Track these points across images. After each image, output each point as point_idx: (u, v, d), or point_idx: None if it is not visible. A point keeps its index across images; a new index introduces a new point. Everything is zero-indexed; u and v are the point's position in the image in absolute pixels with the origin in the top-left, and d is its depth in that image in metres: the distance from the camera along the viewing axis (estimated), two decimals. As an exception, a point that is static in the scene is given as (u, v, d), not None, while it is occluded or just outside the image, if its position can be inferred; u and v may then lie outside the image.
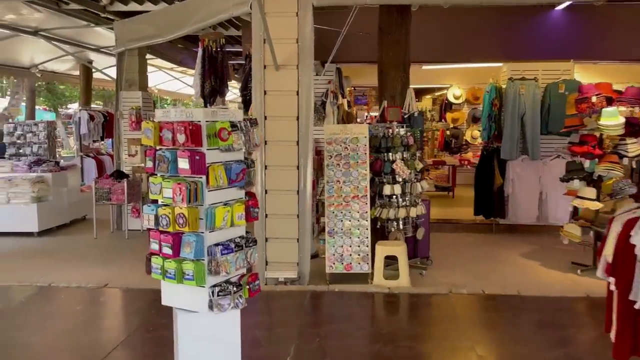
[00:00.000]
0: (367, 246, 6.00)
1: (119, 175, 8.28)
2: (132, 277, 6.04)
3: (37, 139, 10.19)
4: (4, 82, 22.72)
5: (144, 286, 5.64)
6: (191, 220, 3.17)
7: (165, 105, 20.55)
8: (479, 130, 12.14)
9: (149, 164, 3.31)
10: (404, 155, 6.21)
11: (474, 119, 12.19)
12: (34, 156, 10.10)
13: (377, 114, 16.04)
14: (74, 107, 19.93)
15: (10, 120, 10.70)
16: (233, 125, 3.31)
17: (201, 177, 3.23)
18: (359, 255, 5.99)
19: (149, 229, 3.38)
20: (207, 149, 3.25)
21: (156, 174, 3.31)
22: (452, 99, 12.13)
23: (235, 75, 13.54)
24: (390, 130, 6.23)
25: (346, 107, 9.06)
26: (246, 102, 7.29)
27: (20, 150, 10.20)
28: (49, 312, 5.13)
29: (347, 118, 8.49)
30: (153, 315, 4.94)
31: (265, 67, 5.95)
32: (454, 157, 11.69)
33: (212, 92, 7.14)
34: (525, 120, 7.88)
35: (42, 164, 8.62)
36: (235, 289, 3.30)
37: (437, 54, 8.32)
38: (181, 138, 3.17)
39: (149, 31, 7.78)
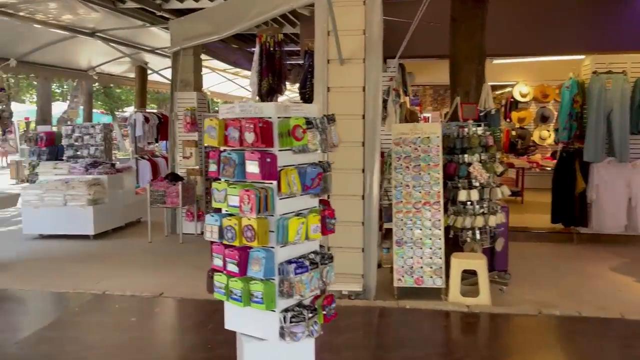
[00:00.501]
0: (440, 258, 5.37)
1: (173, 177, 8.01)
2: (188, 285, 5.68)
3: (94, 141, 10.09)
4: (65, 87, 23.42)
5: (199, 297, 5.26)
6: (260, 234, 2.68)
7: (217, 108, 20.49)
8: (549, 131, 11.23)
9: (213, 167, 2.84)
10: (482, 157, 5.55)
11: (543, 119, 11.28)
12: (90, 158, 10.04)
13: (429, 115, 15.27)
14: (129, 110, 20.22)
15: (68, 123, 10.71)
16: (308, 122, 2.80)
17: (272, 183, 2.74)
18: (431, 268, 5.37)
19: (211, 242, 2.92)
20: (279, 150, 2.76)
21: (220, 179, 2.86)
22: (518, 97, 11.25)
23: (289, 77, 13.15)
24: (466, 130, 5.59)
25: (408, 106, 8.43)
26: (305, 101, 6.82)
27: (78, 153, 10.14)
28: (103, 324, 4.80)
29: (410, 117, 7.87)
30: (210, 331, 4.52)
31: (328, 61, 5.44)
32: (522, 159, 10.80)
33: (269, 91, 6.71)
34: (612, 118, 7.01)
35: (98, 166, 8.47)
36: (309, 314, 2.78)
37: (512, 47, 7.55)
38: (250, 137, 2.68)
39: (205, 29, 7.46)
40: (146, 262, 6.83)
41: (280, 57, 6.78)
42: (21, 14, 7.14)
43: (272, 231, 2.75)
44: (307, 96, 6.76)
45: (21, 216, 8.27)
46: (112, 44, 8.88)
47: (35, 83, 13.30)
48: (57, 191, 7.93)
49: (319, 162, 3.01)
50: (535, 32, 7.33)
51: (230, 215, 2.82)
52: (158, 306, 5.26)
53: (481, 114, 6.03)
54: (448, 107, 15.10)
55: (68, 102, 15.49)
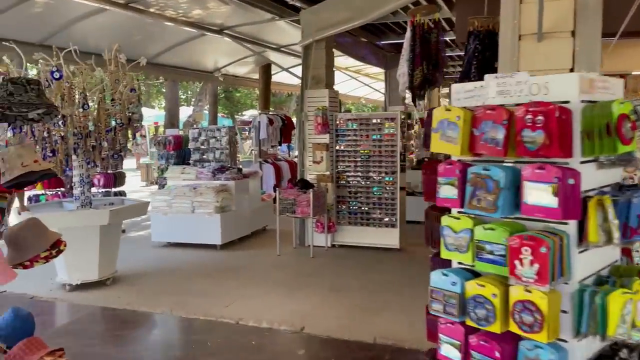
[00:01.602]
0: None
1: (303, 184, 7.02)
2: (330, 317, 4.60)
3: (219, 144, 9.56)
4: (189, 92, 24.12)
5: (348, 336, 4.14)
6: (551, 319, 1.40)
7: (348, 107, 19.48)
8: None
9: (449, 192, 1.61)
10: None
11: None
12: (216, 162, 9.51)
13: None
14: (248, 113, 20.14)
15: (194, 126, 10.31)
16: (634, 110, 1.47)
17: (568, 224, 1.45)
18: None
19: (432, 315, 1.70)
20: (581, 162, 1.46)
21: (461, 212, 1.63)
22: None
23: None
24: None
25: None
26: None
27: (204, 156, 9.67)
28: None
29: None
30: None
31: (520, 37, 4.01)
32: None
33: (423, 83, 5.43)
34: None
35: (225, 171, 7.77)
36: None
37: None
38: (538, 138, 1.41)
39: (342, 15, 6.38)
40: (278, 280, 5.88)
41: (437, 41, 5.46)
42: (152, 10, 6.59)
43: (565, 312, 1.46)
44: (469, 88, 5.36)
45: (150, 220, 7.84)
46: (239, 42, 8.17)
47: (165, 90, 13.30)
48: (185, 197, 7.33)
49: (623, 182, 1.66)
50: None
51: (478, 276, 1.57)
52: (301, 346, 4.20)
53: None
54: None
55: (193, 105, 15.49)
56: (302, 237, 7.45)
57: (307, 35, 7.04)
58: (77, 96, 5.33)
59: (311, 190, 6.84)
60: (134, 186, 14.61)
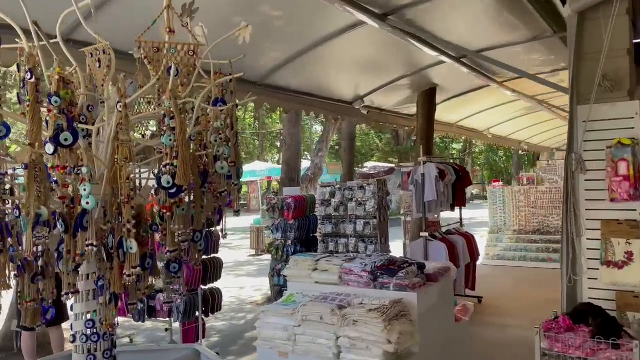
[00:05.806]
0: None
1: (602, 323, 2.72)
2: None
3: (362, 210, 5.69)
4: (302, 147, 21.03)
5: None
6: None
7: (494, 158, 14.72)
8: None
9: None
10: None
11: None
12: (357, 238, 5.63)
13: None
14: (369, 165, 16.27)
15: (321, 183, 6.56)
16: None
17: None
18: None
19: None
20: None
21: None
22: None
23: None
24: None
25: None
26: None
27: (338, 229, 5.84)
28: None
29: None
30: None
31: None
32: None
33: None
34: None
35: (396, 270, 3.72)
36: None
37: None
38: None
39: None
40: None
41: None
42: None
43: None
44: None
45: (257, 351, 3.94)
46: (410, 38, 4.34)
47: (282, 134, 9.90)
48: (323, 326, 3.41)
49: None
50: None
51: None
52: None
53: None
54: None
55: (311, 157, 11.97)
56: None
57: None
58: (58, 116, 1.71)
59: (636, 343, 2.53)
60: (241, 256, 11.21)
